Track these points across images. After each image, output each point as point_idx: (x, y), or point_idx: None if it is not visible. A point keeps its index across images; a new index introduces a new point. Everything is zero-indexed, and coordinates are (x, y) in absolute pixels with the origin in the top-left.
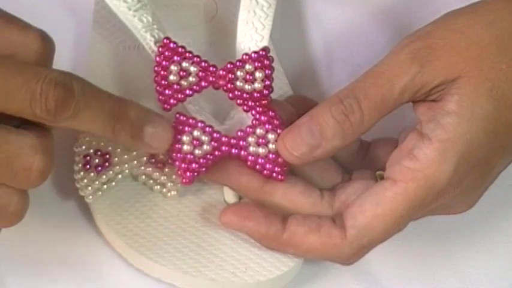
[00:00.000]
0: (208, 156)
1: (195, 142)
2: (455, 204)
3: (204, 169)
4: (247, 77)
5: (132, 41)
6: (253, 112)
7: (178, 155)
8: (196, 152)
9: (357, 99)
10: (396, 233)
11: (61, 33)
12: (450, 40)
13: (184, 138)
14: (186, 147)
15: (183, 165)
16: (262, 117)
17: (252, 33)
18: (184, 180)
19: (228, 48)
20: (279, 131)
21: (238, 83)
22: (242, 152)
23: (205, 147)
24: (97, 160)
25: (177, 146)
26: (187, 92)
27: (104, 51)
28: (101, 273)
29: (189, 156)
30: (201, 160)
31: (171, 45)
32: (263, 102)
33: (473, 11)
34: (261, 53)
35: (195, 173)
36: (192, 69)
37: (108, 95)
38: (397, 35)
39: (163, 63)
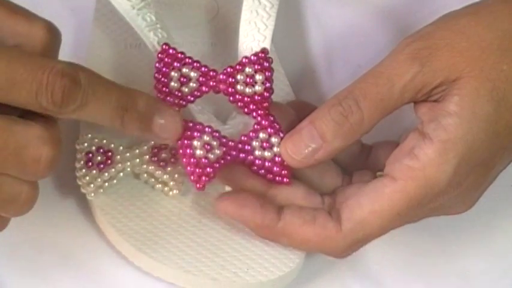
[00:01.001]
0: (221, 160)
1: (206, 147)
2: (455, 205)
3: (213, 174)
4: (248, 80)
5: (134, 39)
6: (254, 114)
7: (192, 160)
8: (210, 155)
9: (356, 99)
10: (391, 229)
11: (61, 32)
12: (451, 40)
13: (196, 143)
14: (199, 152)
15: (197, 170)
16: (264, 122)
17: (254, 33)
18: (198, 186)
19: (229, 48)
20: (281, 134)
21: (238, 87)
22: (248, 156)
23: (216, 151)
24: (99, 157)
25: (188, 151)
26: (189, 98)
27: (105, 49)
28: (102, 271)
29: (203, 160)
30: (215, 164)
31: (171, 51)
32: (264, 104)
33: (474, 12)
34: (260, 55)
35: (209, 178)
36: (193, 74)
37: (116, 86)
38: (397, 36)
39: (164, 69)
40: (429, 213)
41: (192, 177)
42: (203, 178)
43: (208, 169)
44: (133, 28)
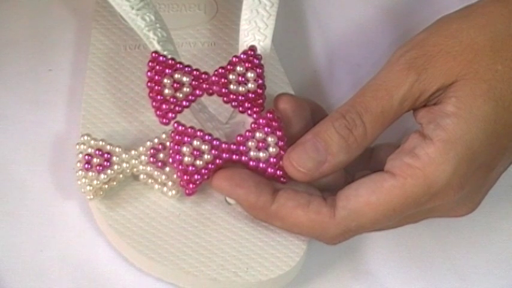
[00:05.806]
0: (210, 165)
1: (195, 152)
2: (456, 206)
3: (206, 177)
4: (240, 78)
5: (134, 40)
6: (249, 112)
7: (180, 167)
8: (198, 162)
9: (358, 113)
10: (385, 226)
11: (61, 33)
12: (444, 46)
13: (184, 149)
14: (187, 159)
15: (185, 177)
16: (261, 120)
17: (254, 32)
18: (187, 192)
19: (229, 48)
20: (278, 133)
21: (232, 86)
22: (243, 158)
23: (206, 156)
24: (98, 159)
25: (177, 157)
26: (184, 103)
27: (104, 51)
28: (102, 273)
29: (190, 168)
30: (203, 170)
31: (161, 58)
32: (259, 101)
33: (466, 15)
34: (249, 52)
35: (196, 185)
36: (185, 79)
37: None
38: (397, 35)
39: (156, 77)
40: (428, 214)
41: (180, 183)
42: (190, 185)
43: (196, 176)
44: (132, 30)
